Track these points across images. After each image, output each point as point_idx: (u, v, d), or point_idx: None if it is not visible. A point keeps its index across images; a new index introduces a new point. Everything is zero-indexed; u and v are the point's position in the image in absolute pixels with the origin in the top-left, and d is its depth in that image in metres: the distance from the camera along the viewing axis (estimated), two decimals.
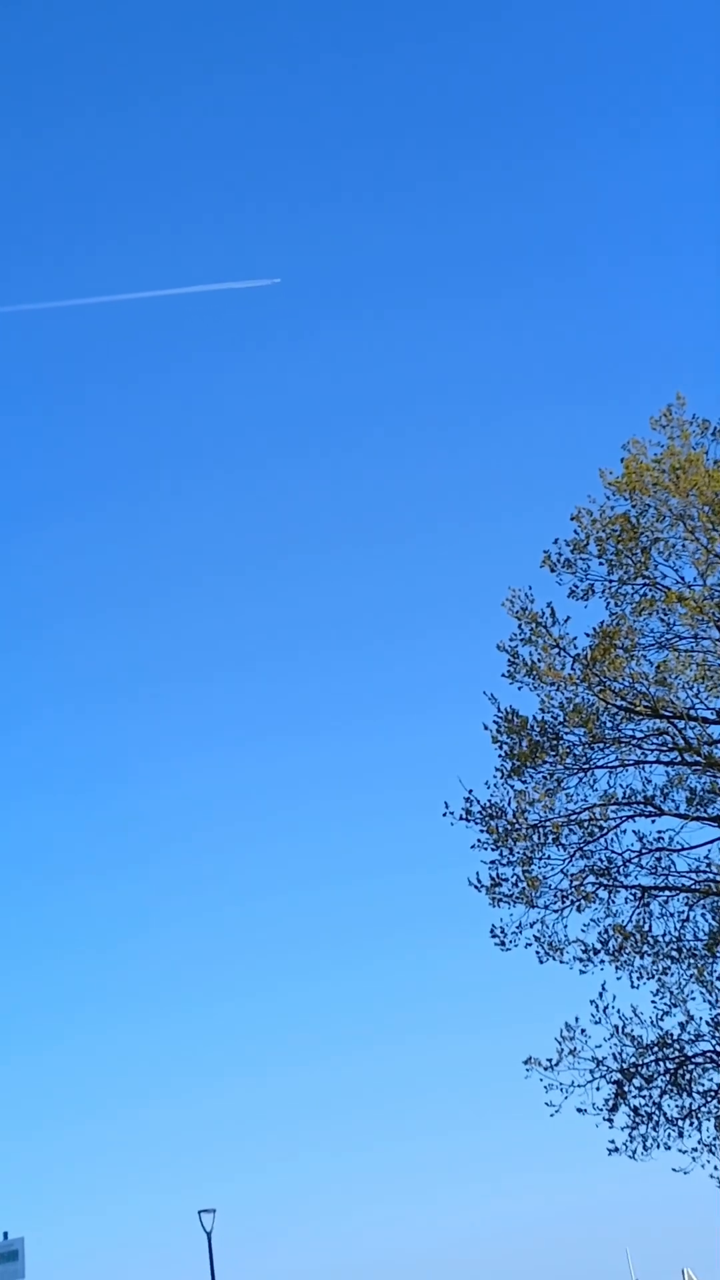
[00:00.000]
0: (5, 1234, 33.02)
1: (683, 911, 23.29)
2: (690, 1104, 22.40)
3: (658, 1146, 22.35)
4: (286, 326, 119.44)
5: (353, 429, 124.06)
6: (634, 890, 23.41)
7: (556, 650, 23.30)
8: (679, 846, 23.39)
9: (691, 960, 22.90)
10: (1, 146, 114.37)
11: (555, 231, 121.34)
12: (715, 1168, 22.06)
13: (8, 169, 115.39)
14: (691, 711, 22.67)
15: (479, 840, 23.46)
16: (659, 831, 23.50)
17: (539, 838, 23.15)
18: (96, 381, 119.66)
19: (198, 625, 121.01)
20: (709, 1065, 22.55)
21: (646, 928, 23.20)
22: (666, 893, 23.39)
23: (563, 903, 23.15)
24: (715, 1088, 22.46)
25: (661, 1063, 22.57)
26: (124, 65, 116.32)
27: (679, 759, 23.10)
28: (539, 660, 23.35)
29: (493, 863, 23.33)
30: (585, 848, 23.37)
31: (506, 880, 23.19)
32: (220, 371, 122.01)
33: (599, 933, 23.17)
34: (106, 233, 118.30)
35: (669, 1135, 22.33)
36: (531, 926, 23.13)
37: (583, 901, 23.21)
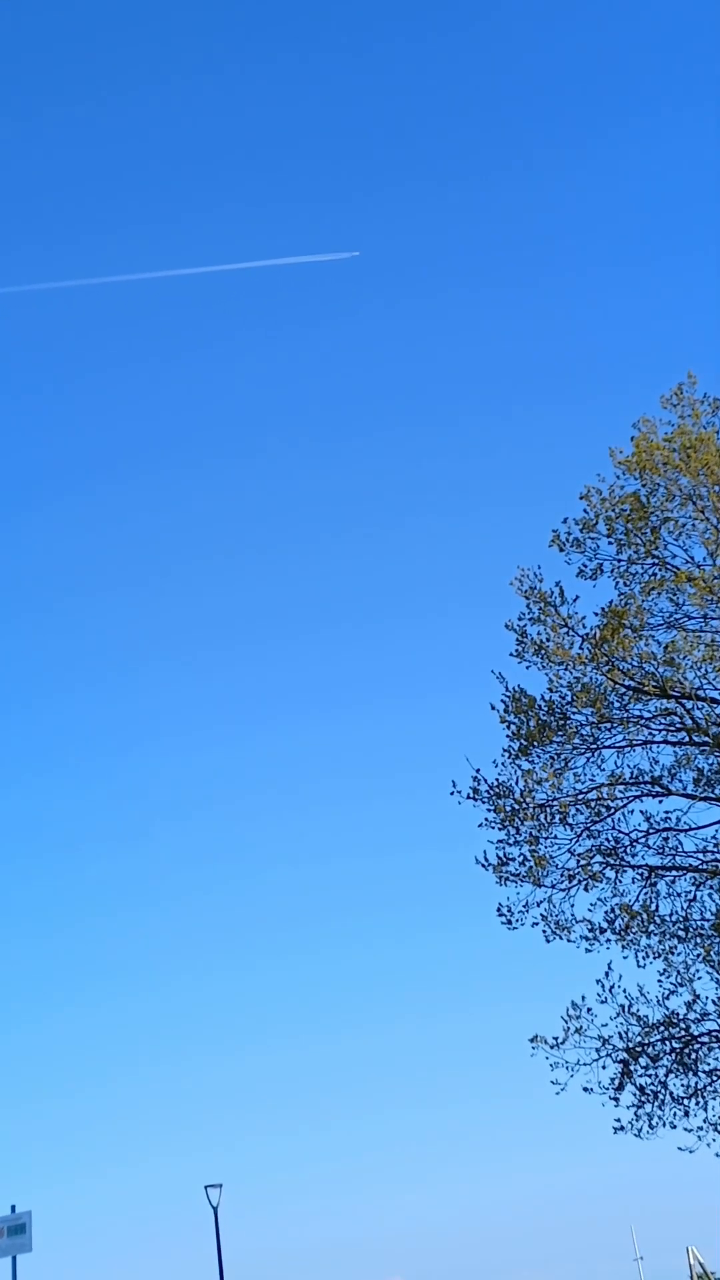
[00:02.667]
0: (13, 1207, 33.16)
1: (690, 891, 23.32)
2: (696, 1083, 22.44)
3: (663, 1125, 22.41)
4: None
5: (365, 412, 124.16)
6: (641, 870, 23.43)
7: (565, 629, 23.26)
8: (686, 826, 23.40)
9: (698, 940, 22.92)
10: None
11: (565, 225, 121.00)
12: None
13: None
14: (700, 692, 22.62)
15: (486, 819, 23.50)
16: (666, 811, 23.53)
17: (546, 817, 23.16)
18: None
19: (204, 603, 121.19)
20: (715, 1044, 22.58)
21: (653, 907, 23.21)
22: (673, 873, 23.41)
23: (569, 882, 23.16)
24: None
25: (668, 1042, 22.60)
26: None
27: (687, 739, 23.08)
28: (547, 639, 23.31)
29: (500, 842, 23.37)
30: (592, 827, 23.37)
31: (513, 859, 23.23)
32: (230, 351, 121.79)
33: (605, 912, 23.22)
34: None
35: (675, 1114, 22.38)
36: (538, 905, 23.18)
37: (589, 881, 23.22)
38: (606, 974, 22.79)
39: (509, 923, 23.29)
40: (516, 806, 23.19)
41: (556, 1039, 22.58)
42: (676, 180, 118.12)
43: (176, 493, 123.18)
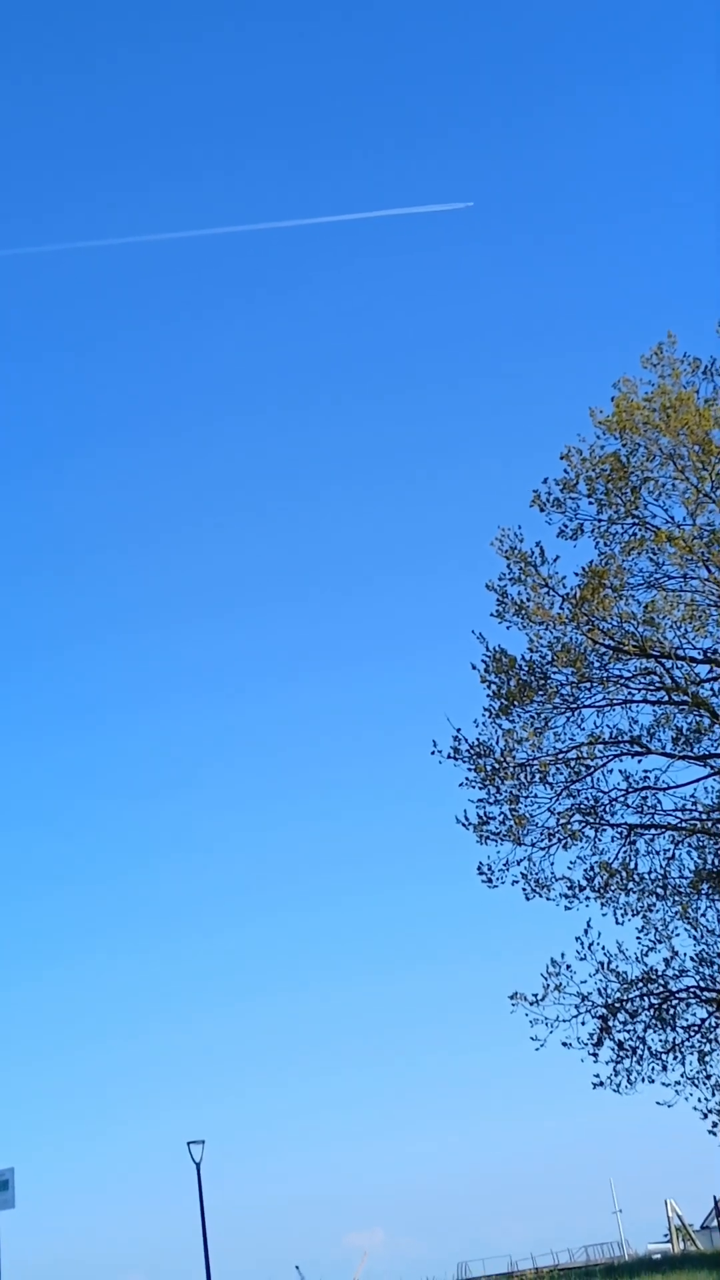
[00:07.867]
0: None
1: (668, 849, 23.50)
2: (674, 1038, 22.69)
3: (642, 1080, 22.66)
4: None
5: (360, 376, 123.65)
6: (620, 828, 23.56)
7: (545, 589, 23.25)
8: (665, 785, 23.57)
9: (676, 897, 23.09)
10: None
11: (537, 186, 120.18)
12: (699, 1101, 22.39)
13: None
14: (679, 651, 22.69)
15: (467, 778, 23.59)
16: (645, 770, 23.69)
17: (526, 776, 23.24)
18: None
19: (198, 568, 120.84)
20: (693, 1000, 22.81)
21: (632, 865, 23.39)
22: (652, 831, 23.56)
23: (549, 840, 23.29)
24: (698, 1022, 22.75)
25: (646, 998, 22.82)
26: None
27: (666, 698, 23.17)
28: (528, 599, 23.30)
29: (480, 801, 23.47)
30: (572, 786, 23.48)
31: (494, 818, 23.33)
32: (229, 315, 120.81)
33: (585, 870, 23.38)
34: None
35: (653, 1069, 22.65)
36: (518, 864, 23.33)
37: (569, 839, 23.34)
38: (586, 931, 23.03)
39: (489, 881, 23.41)
40: (497, 766, 23.26)
41: (536, 995, 22.77)
42: (665, 147, 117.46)
43: (191, 453, 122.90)
